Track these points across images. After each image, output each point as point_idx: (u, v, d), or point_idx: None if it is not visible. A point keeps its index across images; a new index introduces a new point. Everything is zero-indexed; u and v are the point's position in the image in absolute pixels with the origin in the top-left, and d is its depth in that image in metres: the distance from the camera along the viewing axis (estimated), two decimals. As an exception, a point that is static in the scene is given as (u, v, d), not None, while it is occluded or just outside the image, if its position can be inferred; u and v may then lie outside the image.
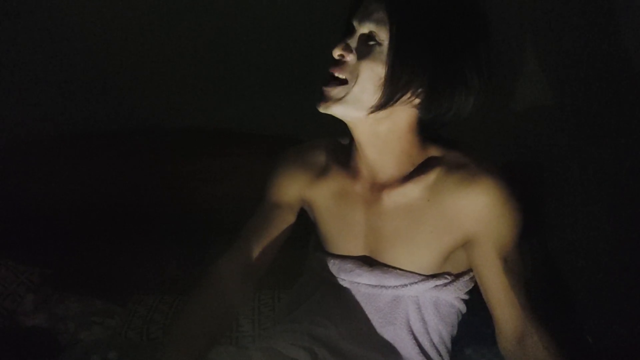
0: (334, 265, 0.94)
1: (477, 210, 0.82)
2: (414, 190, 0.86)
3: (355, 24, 0.80)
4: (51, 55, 1.46)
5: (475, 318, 0.97)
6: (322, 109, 0.81)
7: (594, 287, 1.12)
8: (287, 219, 0.99)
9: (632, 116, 0.93)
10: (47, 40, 1.41)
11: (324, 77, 0.84)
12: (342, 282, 0.94)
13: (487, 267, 0.85)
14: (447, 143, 0.89)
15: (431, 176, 0.85)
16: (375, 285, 0.91)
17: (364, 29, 0.79)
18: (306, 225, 1.02)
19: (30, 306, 1.41)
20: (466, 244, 0.87)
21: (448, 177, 0.84)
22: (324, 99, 0.81)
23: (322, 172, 0.96)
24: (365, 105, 0.80)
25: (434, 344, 0.92)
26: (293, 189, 0.99)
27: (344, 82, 0.80)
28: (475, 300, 0.93)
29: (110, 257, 1.58)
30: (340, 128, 0.93)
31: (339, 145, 0.98)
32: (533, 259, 1.17)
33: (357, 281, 0.92)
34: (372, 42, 0.79)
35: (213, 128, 1.70)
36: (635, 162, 0.95)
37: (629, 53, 0.91)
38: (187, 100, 1.62)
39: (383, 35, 0.77)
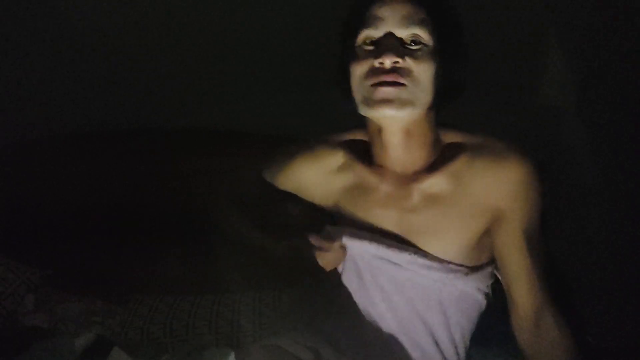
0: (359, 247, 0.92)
1: (506, 188, 0.85)
2: (441, 180, 0.87)
3: (390, 26, 0.80)
4: (51, 54, 1.45)
5: (479, 319, 0.97)
6: (394, 112, 0.80)
7: (594, 287, 1.12)
8: None
9: (633, 116, 0.94)
10: (48, 40, 1.41)
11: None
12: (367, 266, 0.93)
13: (511, 245, 0.87)
14: (455, 128, 0.92)
15: (457, 164, 0.87)
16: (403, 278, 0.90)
17: (406, 31, 0.80)
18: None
19: (30, 306, 1.41)
20: (493, 225, 0.88)
21: (474, 161, 0.87)
22: (388, 101, 0.79)
23: (341, 170, 0.96)
24: (425, 106, 0.83)
25: (453, 339, 0.91)
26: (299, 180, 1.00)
27: (403, 85, 0.80)
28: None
29: (110, 257, 1.58)
30: (340, 128, 0.93)
31: (354, 143, 0.98)
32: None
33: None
34: (417, 45, 0.81)
35: (213, 128, 1.69)
36: (635, 162, 0.95)
37: (629, 53, 0.91)
38: (187, 100, 1.61)
39: (426, 37, 0.80)
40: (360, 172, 0.93)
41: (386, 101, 0.79)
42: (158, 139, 1.70)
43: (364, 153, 0.94)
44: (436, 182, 0.87)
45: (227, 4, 1.36)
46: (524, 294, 0.87)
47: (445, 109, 0.89)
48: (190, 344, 1.30)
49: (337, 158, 0.97)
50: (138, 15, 1.37)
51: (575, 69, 1.09)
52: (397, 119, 0.83)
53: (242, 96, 1.58)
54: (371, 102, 0.80)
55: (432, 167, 0.88)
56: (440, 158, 0.89)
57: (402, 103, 0.79)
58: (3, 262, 1.47)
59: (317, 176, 0.98)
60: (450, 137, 0.90)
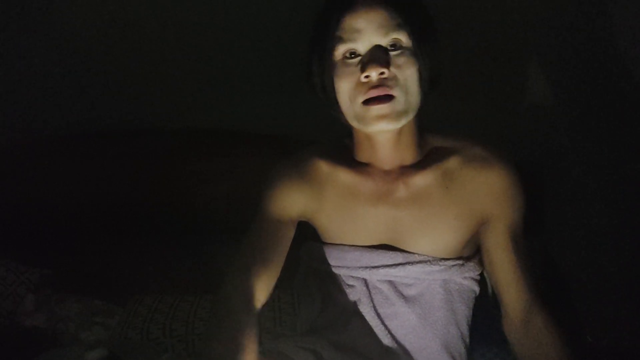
0: (351, 259, 0.92)
1: (494, 192, 0.88)
2: (431, 178, 0.88)
3: (369, 36, 0.79)
4: (51, 55, 1.45)
5: (476, 317, 0.98)
6: (391, 126, 0.80)
7: (594, 287, 1.12)
8: (290, 234, 0.94)
9: (632, 116, 0.94)
10: (47, 40, 1.41)
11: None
12: (362, 275, 0.92)
13: (499, 247, 0.89)
14: (440, 132, 0.93)
15: (447, 165, 0.89)
16: (399, 275, 0.91)
17: (385, 39, 0.79)
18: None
19: (30, 306, 1.41)
20: (481, 228, 0.90)
21: (464, 165, 0.89)
22: (383, 117, 0.79)
23: (326, 179, 0.94)
24: (417, 109, 0.83)
25: (461, 334, 0.92)
26: (297, 203, 0.94)
27: (393, 98, 0.79)
28: (477, 300, 0.94)
29: (110, 257, 1.58)
30: (340, 127, 0.93)
31: (334, 148, 0.97)
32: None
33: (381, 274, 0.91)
34: (398, 50, 0.80)
35: (213, 128, 1.70)
36: (635, 162, 0.95)
37: (628, 54, 0.91)
38: (187, 100, 1.62)
39: (406, 40, 0.79)
40: (345, 175, 0.92)
41: (381, 117, 0.79)
42: (158, 139, 1.70)
43: (345, 155, 0.94)
44: (425, 179, 0.88)
45: (227, 3, 1.36)
46: (513, 293, 0.88)
47: (428, 106, 0.89)
48: (190, 344, 1.30)
49: (320, 166, 0.95)
50: (138, 16, 1.38)
51: (561, 69, 1.10)
52: (393, 129, 0.83)
53: (242, 96, 1.58)
54: (367, 120, 0.80)
55: (420, 165, 0.89)
56: (429, 158, 0.90)
57: (397, 115, 0.79)
58: (3, 262, 1.47)
59: (303, 191, 0.94)
60: (438, 140, 0.92)
